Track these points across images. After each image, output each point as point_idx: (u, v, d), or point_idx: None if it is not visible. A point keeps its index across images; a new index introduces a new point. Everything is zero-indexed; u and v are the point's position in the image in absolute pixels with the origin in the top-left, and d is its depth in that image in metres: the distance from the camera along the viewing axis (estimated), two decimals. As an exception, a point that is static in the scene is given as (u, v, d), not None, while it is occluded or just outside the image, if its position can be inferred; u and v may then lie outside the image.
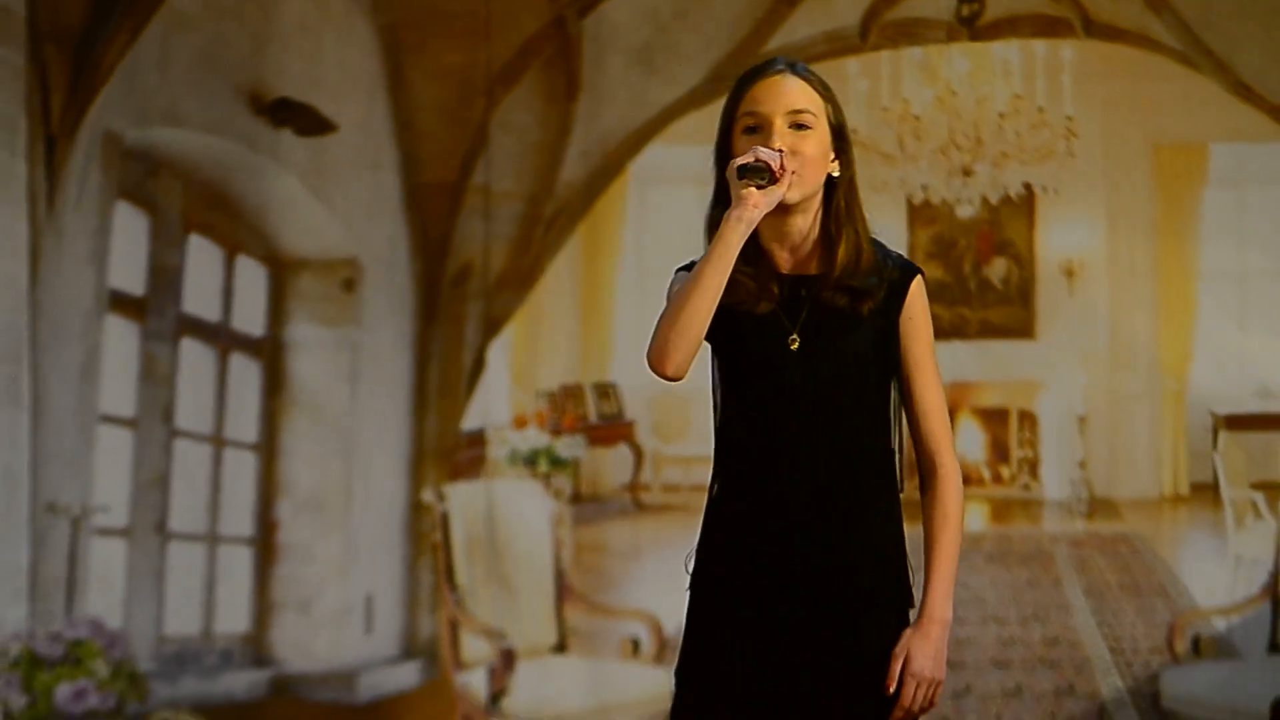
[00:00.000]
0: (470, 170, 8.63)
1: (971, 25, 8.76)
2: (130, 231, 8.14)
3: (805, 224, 3.35)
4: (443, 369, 8.76)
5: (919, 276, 3.38)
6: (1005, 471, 10.89)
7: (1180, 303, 10.15)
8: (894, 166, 9.44)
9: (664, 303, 3.29)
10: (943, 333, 9.96)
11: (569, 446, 9.22)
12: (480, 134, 8.62)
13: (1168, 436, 10.30)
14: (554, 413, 9.86)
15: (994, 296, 10.60)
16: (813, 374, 3.31)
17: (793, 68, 3.36)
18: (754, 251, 3.34)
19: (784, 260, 3.37)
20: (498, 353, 9.11)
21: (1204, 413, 10.25)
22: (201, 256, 8.45)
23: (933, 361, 3.40)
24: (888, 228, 10.43)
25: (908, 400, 3.39)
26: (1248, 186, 10.38)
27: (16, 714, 7.00)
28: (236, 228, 8.51)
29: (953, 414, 11.73)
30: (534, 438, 9.09)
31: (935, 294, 10.84)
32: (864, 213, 3.38)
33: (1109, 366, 10.43)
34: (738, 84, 3.36)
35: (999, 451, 10.93)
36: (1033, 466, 10.77)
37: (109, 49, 7.72)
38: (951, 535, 3.36)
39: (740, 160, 3.24)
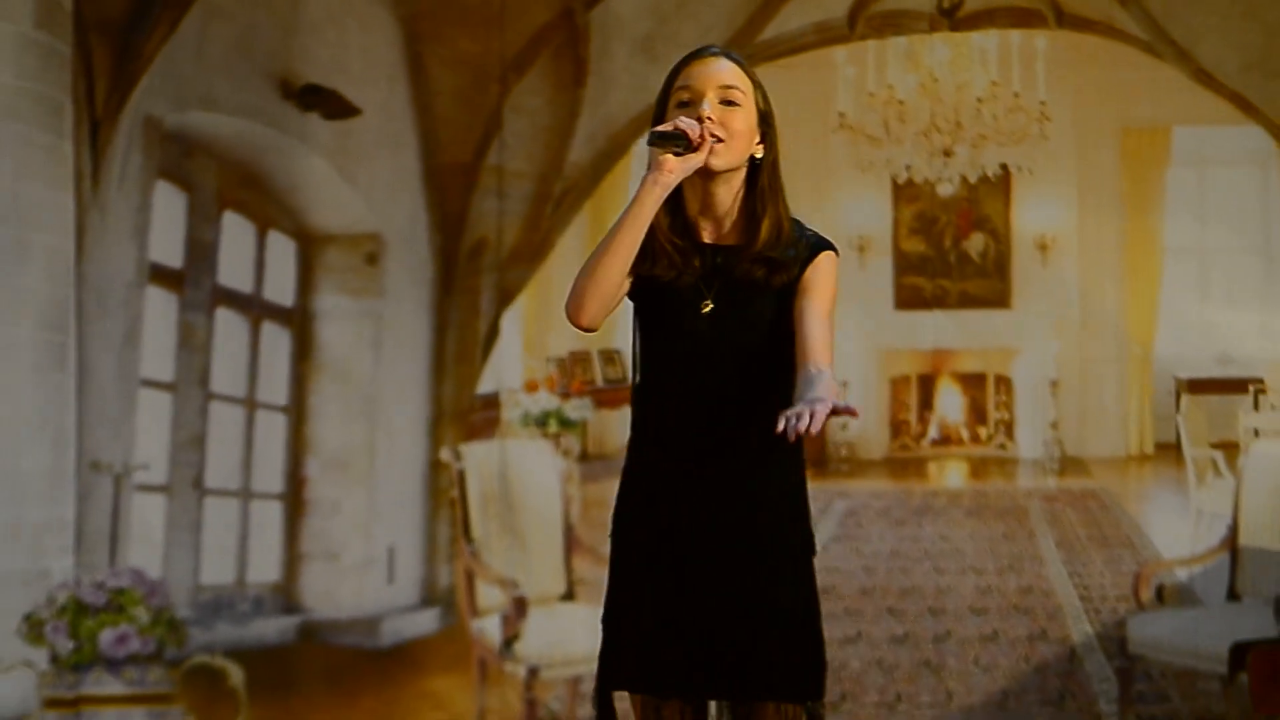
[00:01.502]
0: (485, 151, 8.65)
1: (952, 17, 8.78)
2: (169, 209, 8.17)
3: (728, 196, 3.33)
4: (459, 337, 8.78)
5: (828, 251, 3.34)
6: (983, 432, 10.88)
7: (1146, 275, 10.14)
8: (879, 148, 9.43)
9: None
10: (924, 303, 9.97)
11: (577, 409, 9.23)
12: (494, 117, 8.64)
13: (1134, 399, 10.30)
14: (563, 377, 9.87)
15: (972, 269, 10.56)
16: (722, 335, 3.29)
17: (726, 54, 3.35)
18: (681, 224, 3.34)
19: (707, 231, 3.36)
20: (510, 322, 9.12)
21: (1168, 377, 10.24)
22: (235, 232, 8.48)
23: (823, 313, 3.25)
24: (874, 205, 10.44)
25: (796, 340, 3.23)
26: (1208, 167, 10.37)
27: (64, 657, 7.03)
28: (267, 205, 8.53)
29: (933, 379, 11.72)
30: (544, 400, 9.10)
31: (918, 267, 10.91)
32: (785, 194, 3.35)
33: (1079, 334, 10.41)
34: (674, 67, 3.35)
35: (977, 414, 10.92)
36: (1008, 427, 10.76)
37: (149, 38, 7.75)
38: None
39: (659, 127, 3.23)
